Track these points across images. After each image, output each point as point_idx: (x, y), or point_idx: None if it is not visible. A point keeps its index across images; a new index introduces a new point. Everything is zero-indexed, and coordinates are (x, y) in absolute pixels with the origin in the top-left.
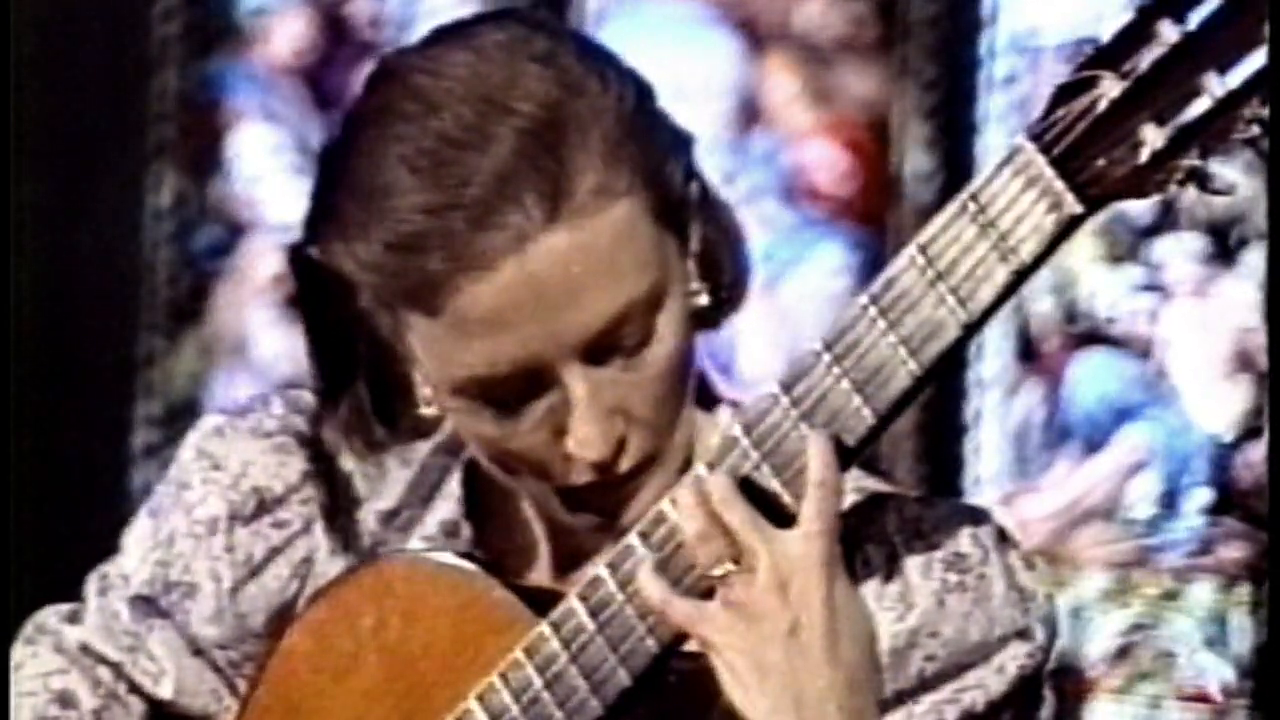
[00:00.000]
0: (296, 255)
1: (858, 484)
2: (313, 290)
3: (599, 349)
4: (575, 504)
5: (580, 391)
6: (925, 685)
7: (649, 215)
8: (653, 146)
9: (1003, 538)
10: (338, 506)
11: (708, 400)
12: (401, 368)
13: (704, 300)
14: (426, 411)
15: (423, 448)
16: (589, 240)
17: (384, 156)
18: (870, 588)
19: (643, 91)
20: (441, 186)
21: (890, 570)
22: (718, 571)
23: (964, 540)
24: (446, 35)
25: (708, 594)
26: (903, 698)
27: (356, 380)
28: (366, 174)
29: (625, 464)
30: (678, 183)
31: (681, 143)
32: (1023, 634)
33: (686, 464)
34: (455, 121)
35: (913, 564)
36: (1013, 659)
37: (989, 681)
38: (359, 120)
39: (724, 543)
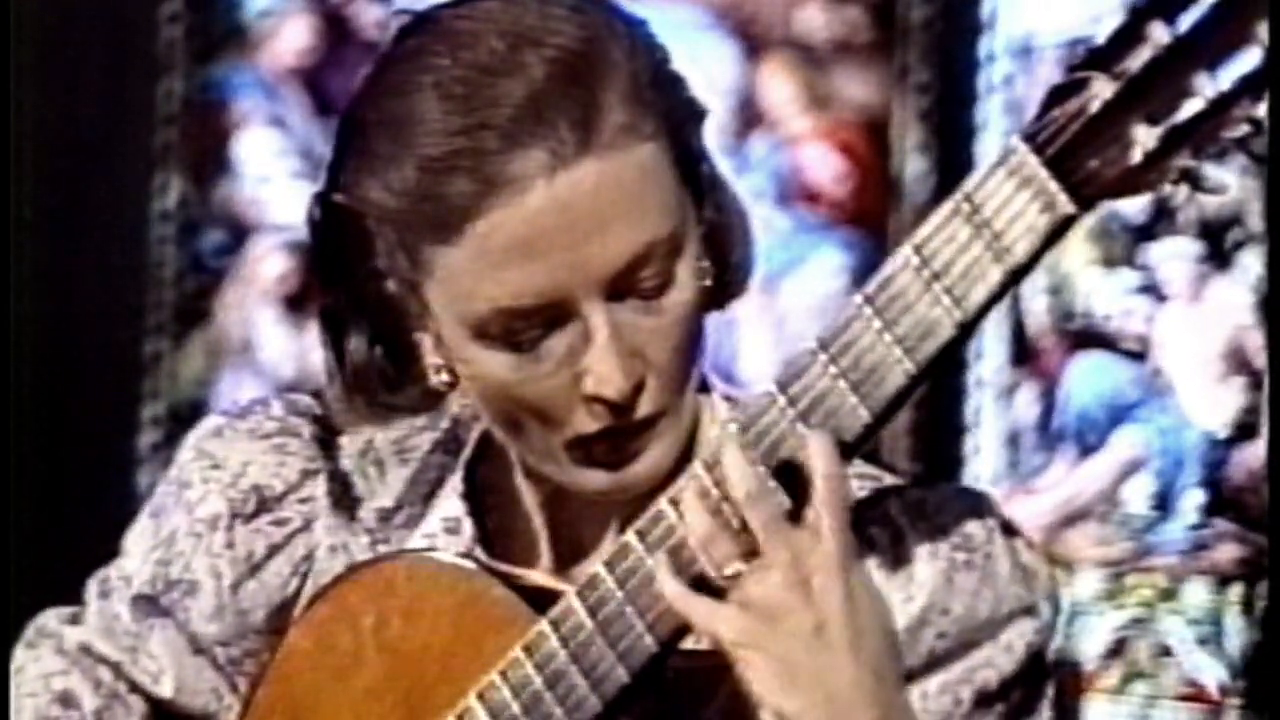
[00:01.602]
0: (319, 204)
1: (858, 471)
2: (330, 243)
3: (621, 287)
4: (582, 458)
5: (602, 327)
6: (935, 663)
7: (672, 164)
8: (679, 105)
9: (1003, 521)
10: (337, 505)
11: (703, 386)
12: (410, 335)
13: (708, 281)
14: (435, 380)
15: (421, 446)
16: (618, 174)
17: (415, 89)
18: (878, 570)
19: (665, 54)
20: (474, 109)
21: (897, 552)
22: (729, 571)
23: (968, 520)
24: None
25: (712, 591)
26: (913, 676)
27: (363, 340)
28: (397, 108)
29: (642, 409)
30: (697, 143)
31: (699, 112)
32: (1029, 611)
33: (691, 439)
34: (487, 53)
35: (919, 545)
36: (1020, 636)
37: (999, 660)
38: (388, 65)
39: (734, 542)
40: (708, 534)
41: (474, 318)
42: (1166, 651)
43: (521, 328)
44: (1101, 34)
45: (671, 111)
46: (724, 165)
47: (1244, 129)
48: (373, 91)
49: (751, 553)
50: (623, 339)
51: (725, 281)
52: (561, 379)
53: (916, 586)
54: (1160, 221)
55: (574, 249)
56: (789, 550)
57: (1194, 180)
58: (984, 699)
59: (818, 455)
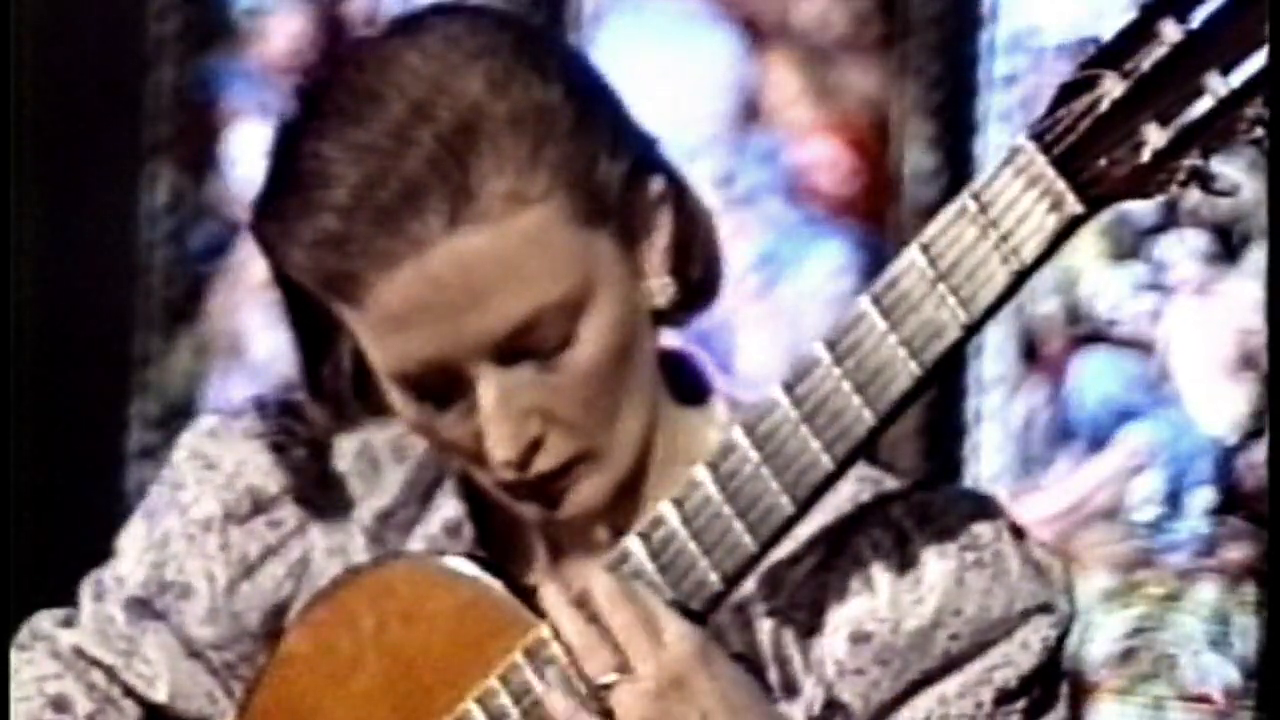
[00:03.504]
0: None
1: (860, 473)
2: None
3: (510, 351)
4: (512, 496)
5: (488, 393)
6: (951, 664)
7: (572, 220)
8: (587, 145)
9: (1011, 521)
10: (333, 506)
11: (700, 394)
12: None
13: (670, 294)
14: None
15: (418, 446)
16: (494, 245)
17: (318, 152)
18: (885, 573)
19: (588, 88)
20: (357, 189)
21: (904, 554)
22: (605, 680)
23: (975, 521)
24: (401, 28)
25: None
26: (931, 679)
27: (331, 347)
28: (302, 166)
29: (543, 464)
30: (615, 183)
31: (633, 140)
32: (1044, 608)
33: (644, 457)
34: (382, 126)
35: (926, 547)
36: (1036, 633)
37: (1017, 658)
38: (310, 104)
39: (610, 651)
40: (584, 646)
41: (383, 372)
42: (1175, 653)
43: (422, 389)
44: (1107, 30)
45: (580, 156)
46: (725, 160)
47: (1255, 128)
48: (293, 131)
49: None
50: (514, 402)
51: (691, 293)
52: (467, 431)
53: (926, 589)
54: (1168, 218)
55: (449, 321)
56: (653, 655)
57: (1204, 180)
58: (1004, 698)
59: (592, 587)
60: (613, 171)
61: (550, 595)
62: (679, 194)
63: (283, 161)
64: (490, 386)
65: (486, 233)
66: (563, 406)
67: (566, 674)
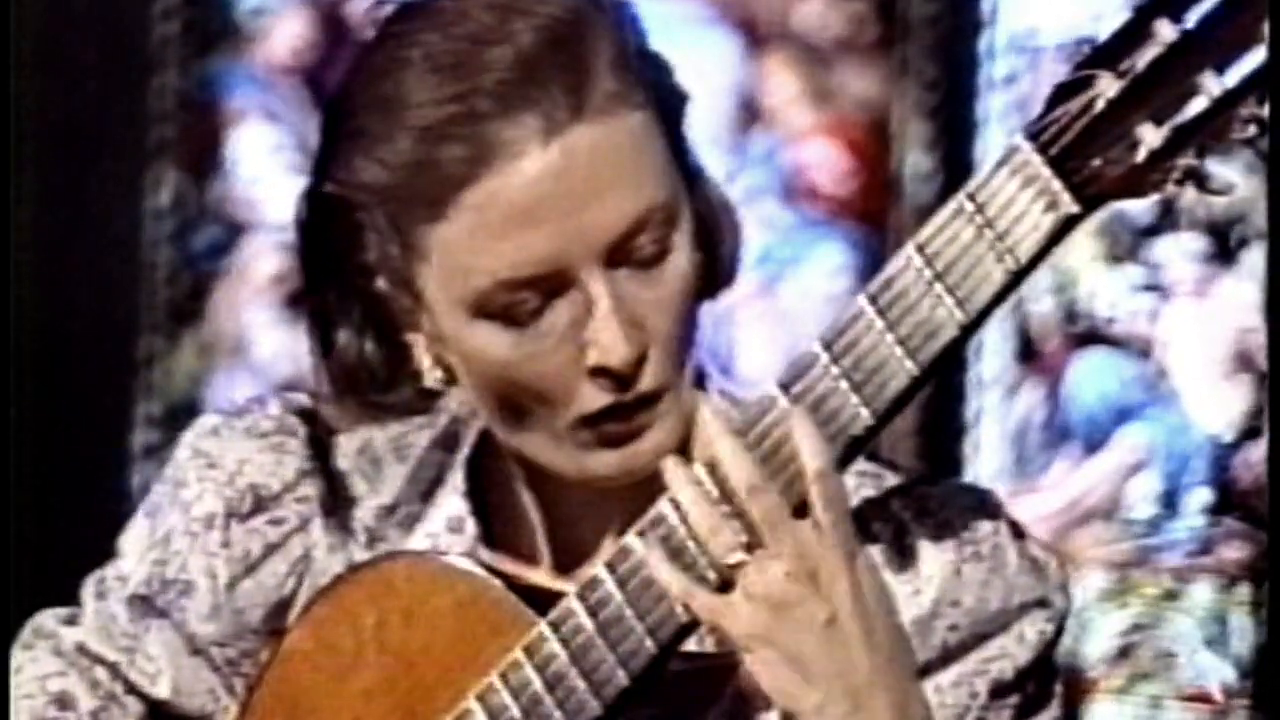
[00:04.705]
0: (307, 199)
1: (860, 469)
2: (318, 241)
3: (619, 255)
4: (588, 439)
5: (603, 295)
6: (949, 656)
7: (662, 136)
8: (659, 79)
9: (1008, 517)
10: (335, 504)
11: (699, 383)
12: (400, 336)
13: (699, 270)
14: (429, 379)
15: (419, 443)
16: (611, 139)
17: (405, 65)
18: (884, 565)
19: (645, 36)
20: (464, 76)
21: (902, 547)
22: (731, 560)
23: (973, 515)
24: None
25: (717, 589)
26: (928, 669)
27: (352, 340)
28: (387, 87)
29: (645, 382)
30: (683, 116)
31: (681, 96)
32: (1041, 602)
33: (688, 428)
34: (475, 25)
35: (924, 538)
36: (1032, 626)
37: (1014, 650)
38: (375, 50)
39: (736, 533)
40: (711, 526)
41: (473, 294)
42: (1172, 652)
43: (522, 300)
44: (1104, 31)
45: (656, 87)
46: (724, 161)
47: (1250, 128)
48: (360, 77)
49: (753, 546)
50: (624, 308)
51: (714, 272)
52: (564, 355)
53: (924, 580)
54: (1165, 219)
55: (572, 216)
56: (793, 542)
57: (1199, 180)
58: (999, 690)
59: (806, 451)
60: (681, 108)
61: (673, 470)
62: (698, 171)
63: (352, 110)
64: (603, 290)
65: (605, 126)
66: (659, 322)
67: (567, 669)
